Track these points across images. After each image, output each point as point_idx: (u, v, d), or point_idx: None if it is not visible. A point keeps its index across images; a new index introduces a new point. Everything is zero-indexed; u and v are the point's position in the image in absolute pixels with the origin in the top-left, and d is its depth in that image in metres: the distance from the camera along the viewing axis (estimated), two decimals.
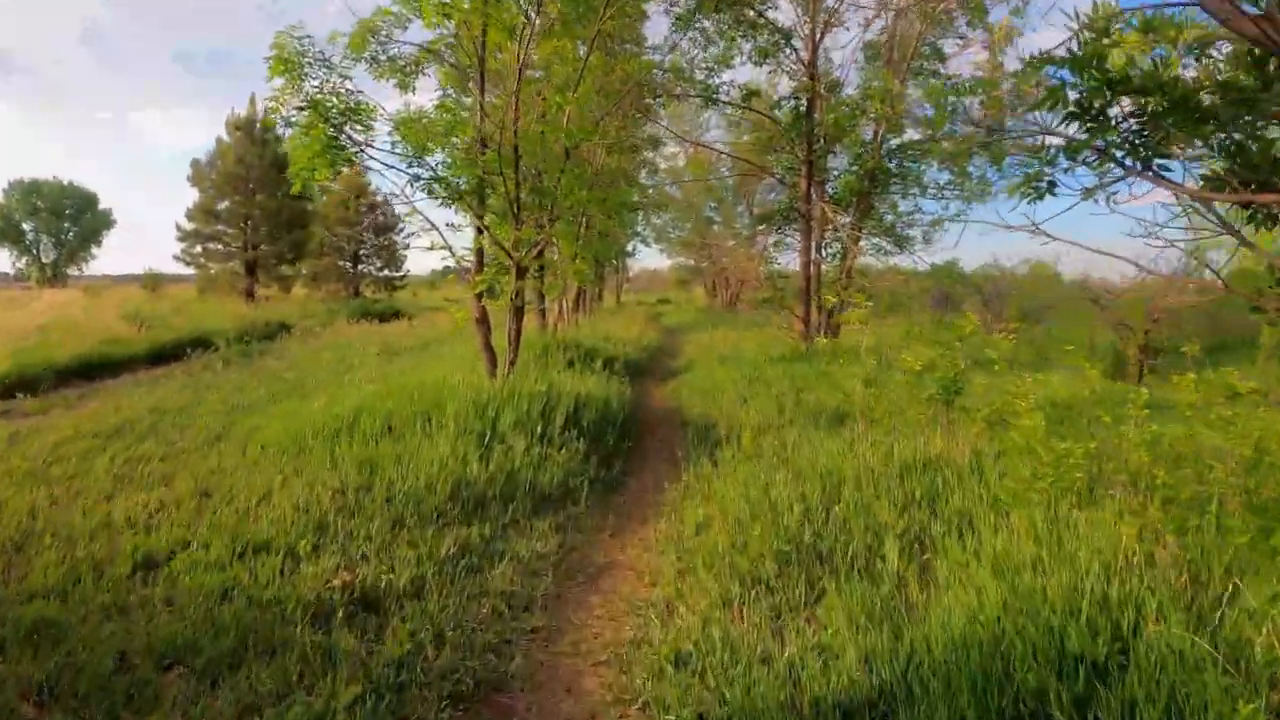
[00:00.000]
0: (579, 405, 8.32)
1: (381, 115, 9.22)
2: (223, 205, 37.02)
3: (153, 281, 47.15)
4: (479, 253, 9.52)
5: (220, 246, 37.56)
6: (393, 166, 9.58)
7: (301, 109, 8.86)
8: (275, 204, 35.87)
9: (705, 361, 14.85)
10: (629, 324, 23.23)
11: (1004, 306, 22.23)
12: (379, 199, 40.16)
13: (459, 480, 6.28)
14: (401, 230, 41.09)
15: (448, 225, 9.42)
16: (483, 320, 9.41)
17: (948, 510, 5.27)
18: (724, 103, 14.80)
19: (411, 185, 9.50)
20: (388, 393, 8.86)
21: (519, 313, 9.35)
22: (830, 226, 15.06)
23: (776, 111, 15.38)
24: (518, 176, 9.01)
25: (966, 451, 6.34)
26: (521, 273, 9.18)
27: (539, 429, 7.55)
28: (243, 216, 36.65)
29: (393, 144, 9.35)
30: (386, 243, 42.30)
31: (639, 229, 33.17)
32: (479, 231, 9.31)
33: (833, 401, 9.08)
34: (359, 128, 9.14)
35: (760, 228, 18.37)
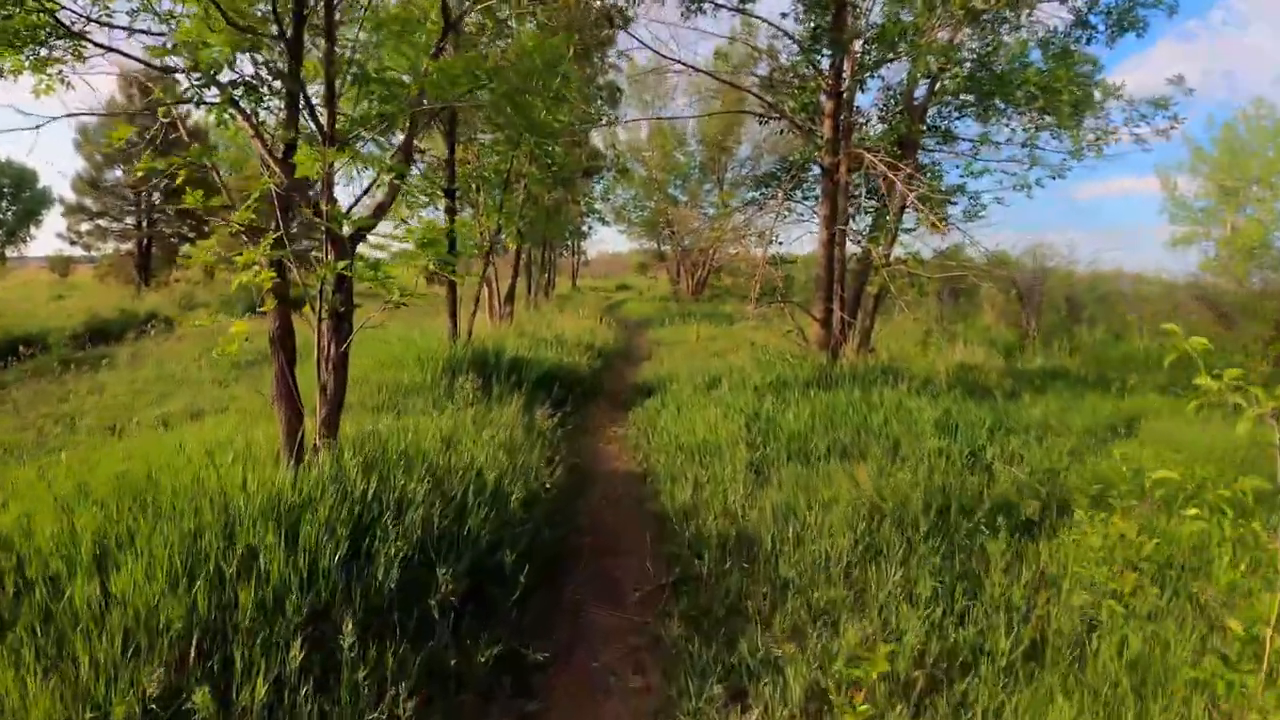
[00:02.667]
0: (445, 533, 3.76)
1: None
2: (114, 175, 31.71)
3: (61, 264, 42.17)
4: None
5: (112, 224, 32.30)
6: (131, 56, 5.15)
7: None
8: (172, 175, 30.65)
9: (684, 381, 10.13)
10: (580, 318, 18.60)
11: (1041, 302, 17.81)
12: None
13: None
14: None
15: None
16: (282, 340, 4.84)
17: None
18: (717, 5, 10.15)
19: (161, 87, 5.36)
20: (101, 482, 4.30)
21: (339, 326, 4.76)
22: (860, 189, 10.54)
23: (786, 26, 10.61)
24: (331, 49, 4.48)
25: None
26: (340, 247, 4.65)
27: (331, 619, 3.04)
28: (135, 191, 31.33)
29: (131, 14, 5.25)
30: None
31: (596, 206, 28.73)
32: (265, 168, 4.73)
33: (959, 484, 4.72)
34: None
35: (757, 194, 13.45)
